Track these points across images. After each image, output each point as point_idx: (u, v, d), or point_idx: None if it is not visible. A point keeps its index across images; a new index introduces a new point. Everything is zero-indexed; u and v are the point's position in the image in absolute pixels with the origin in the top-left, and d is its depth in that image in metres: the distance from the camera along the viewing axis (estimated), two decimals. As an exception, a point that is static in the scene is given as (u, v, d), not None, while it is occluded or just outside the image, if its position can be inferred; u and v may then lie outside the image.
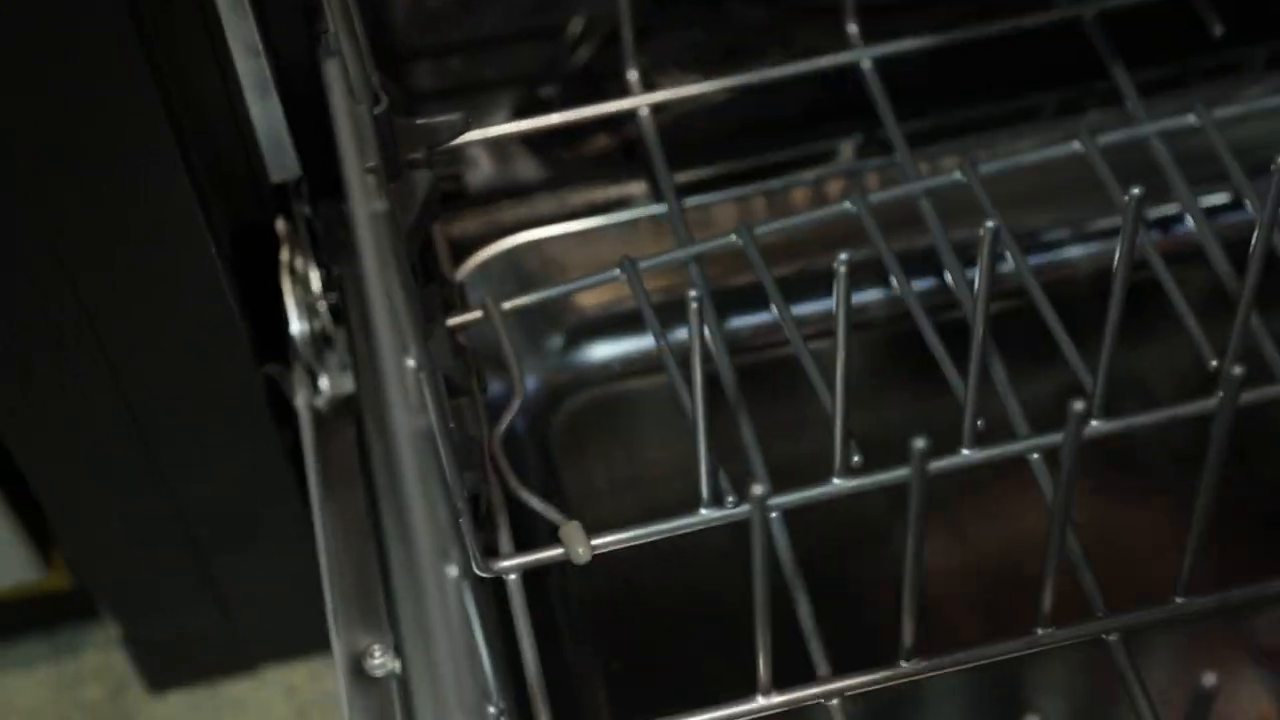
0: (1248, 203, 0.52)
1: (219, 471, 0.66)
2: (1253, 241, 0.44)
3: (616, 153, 0.66)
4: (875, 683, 0.44)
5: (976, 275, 0.44)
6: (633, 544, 0.50)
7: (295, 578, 0.62)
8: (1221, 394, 0.39)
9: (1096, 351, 0.47)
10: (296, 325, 0.60)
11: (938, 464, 0.46)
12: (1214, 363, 0.48)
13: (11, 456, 0.66)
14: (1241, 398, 0.41)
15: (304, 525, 0.59)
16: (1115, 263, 0.44)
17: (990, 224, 0.41)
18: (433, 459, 0.39)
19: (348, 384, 0.58)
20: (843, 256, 0.42)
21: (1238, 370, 0.38)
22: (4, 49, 0.52)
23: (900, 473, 0.44)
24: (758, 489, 0.38)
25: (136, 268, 0.58)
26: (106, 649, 0.83)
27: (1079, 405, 0.38)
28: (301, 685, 0.76)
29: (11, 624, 0.82)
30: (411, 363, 0.39)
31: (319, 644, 0.59)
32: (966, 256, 0.55)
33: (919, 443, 0.37)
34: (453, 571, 0.36)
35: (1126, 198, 0.42)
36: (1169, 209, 0.59)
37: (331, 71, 0.39)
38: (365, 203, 0.38)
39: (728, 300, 0.61)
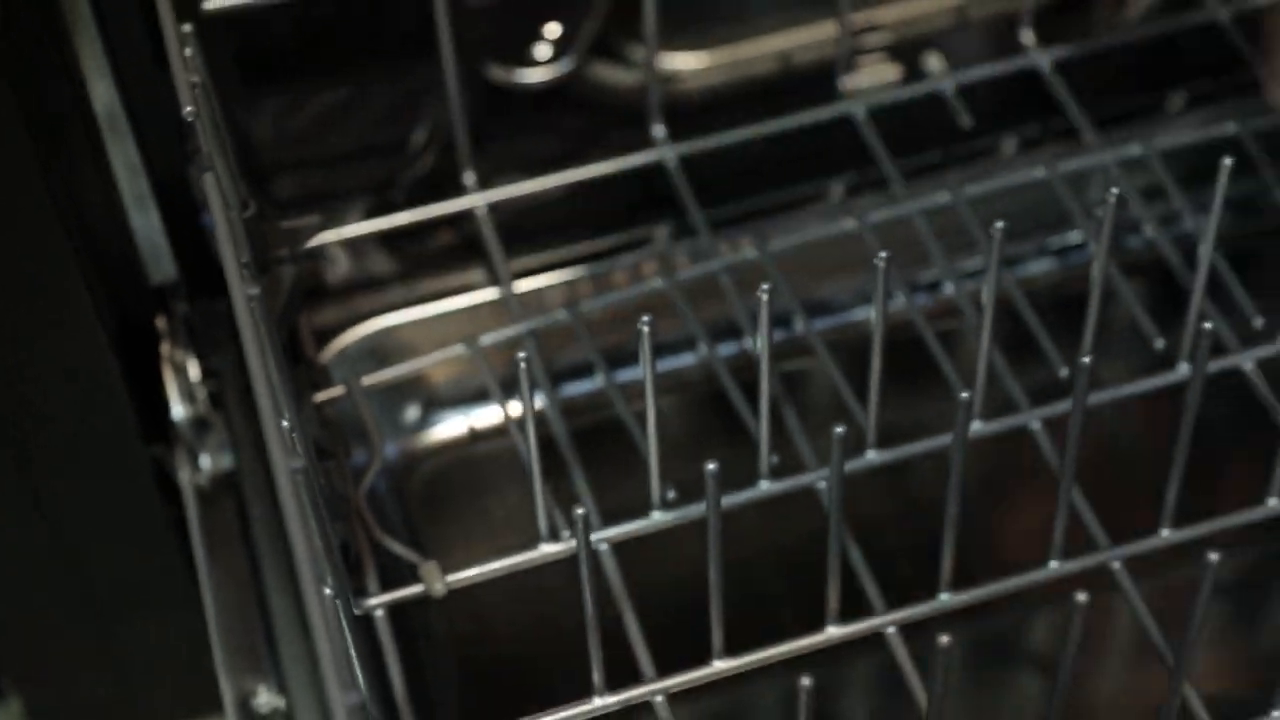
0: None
1: (114, 546, 0.70)
2: (983, 294, 0.52)
3: (459, 245, 0.70)
4: (691, 681, 0.50)
5: (759, 340, 0.51)
6: (483, 579, 0.55)
7: (187, 641, 0.66)
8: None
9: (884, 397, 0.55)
10: (178, 410, 0.63)
11: (734, 497, 0.53)
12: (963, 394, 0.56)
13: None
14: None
15: (193, 591, 0.63)
16: (873, 320, 0.51)
17: (764, 291, 0.49)
18: (310, 505, 0.46)
19: (227, 461, 0.62)
20: (645, 319, 0.49)
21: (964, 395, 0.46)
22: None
23: (699, 506, 0.51)
24: (580, 513, 0.45)
25: (37, 361, 0.62)
26: None
27: (839, 429, 0.45)
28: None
29: None
30: (286, 423, 0.46)
31: (212, 702, 0.62)
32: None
33: (710, 468, 0.45)
34: (330, 592, 0.42)
35: (878, 262, 0.50)
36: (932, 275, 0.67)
37: (208, 184, 0.45)
38: (242, 291, 0.44)
39: (562, 371, 0.66)
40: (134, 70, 0.64)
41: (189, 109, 0.47)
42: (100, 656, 0.73)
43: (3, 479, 0.65)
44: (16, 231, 0.59)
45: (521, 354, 0.47)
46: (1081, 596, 0.42)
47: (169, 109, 0.60)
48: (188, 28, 0.55)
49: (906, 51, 0.74)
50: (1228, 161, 0.50)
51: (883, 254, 0.49)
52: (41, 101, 0.60)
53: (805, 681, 0.41)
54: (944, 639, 0.40)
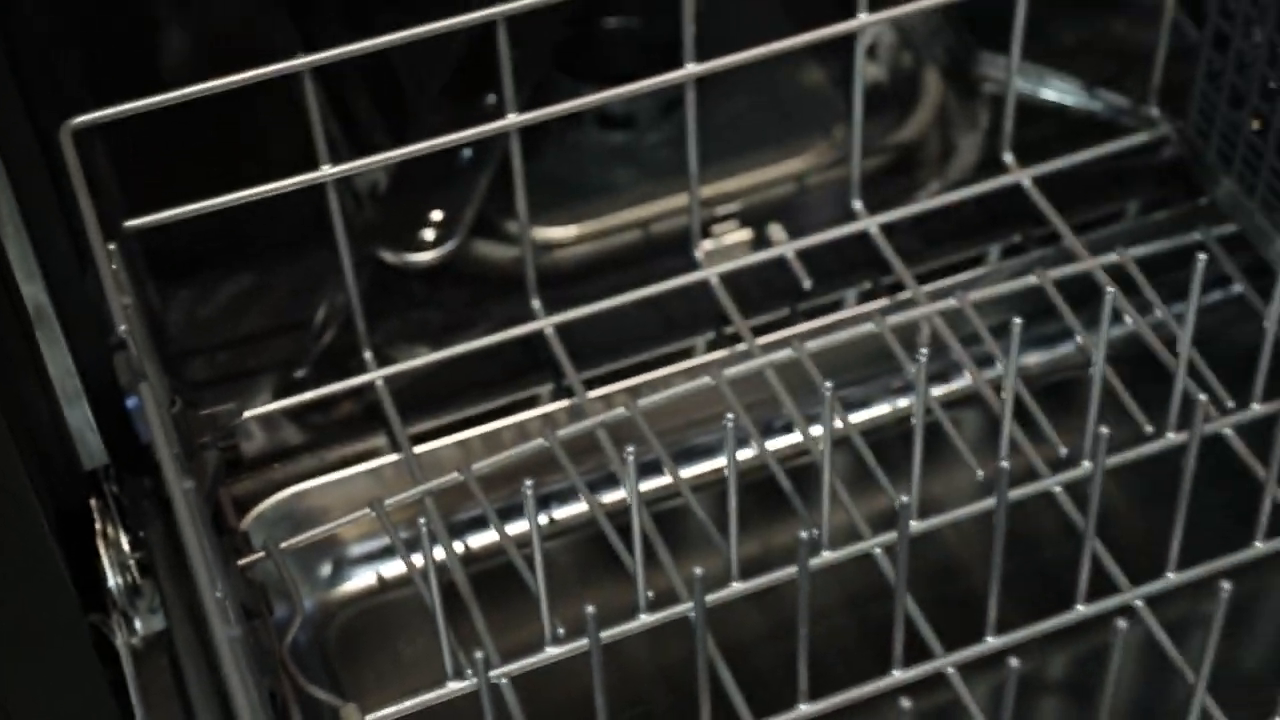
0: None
1: (56, 707, 0.70)
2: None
3: (361, 415, 0.73)
4: None
5: (629, 489, 0.57)
6: (398, 717, 0.59)
7: None
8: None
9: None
10: (112, 580, 0.65)
11: (613, 630, 0.59)
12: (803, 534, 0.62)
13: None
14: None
15: None
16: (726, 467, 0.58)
17: (629, 455, 0.56)
18: (245, 664, 0.51)
19: (158, 623, 0.65)
20: (528, 483, 0.55)
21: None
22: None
23: (583, 641, 0.57)
24: (479, 655, 0.51)
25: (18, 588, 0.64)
26: None
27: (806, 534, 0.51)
28: None
29: None
30: (219, 594, 0.51)
31: None
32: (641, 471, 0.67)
33: (590, 611, 0.51)
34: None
35: (726, 422, 0.57)
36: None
37: (144, 393, 0.51)
38: (179, 485, 0.50)
39: (460, 524, 0.70)
40: (60, 272, 0.65)
41: (123, 328, 0.53)
42: None
43: None
44: None
45: (422, 520, 0.53)
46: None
47: (92, 306, 0.65)
48: (112, 246, 0.60)
49: (755, 218, 0.78)
50: (1018, 322, 0.58)
51: (729, 415, 0.56)
52: None
53: None
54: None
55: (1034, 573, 0.65)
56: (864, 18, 0.68)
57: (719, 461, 0.71)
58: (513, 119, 0.66)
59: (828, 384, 0.56)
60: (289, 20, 0.85)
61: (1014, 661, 0.48)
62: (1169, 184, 0.77)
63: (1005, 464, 0.53)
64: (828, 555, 0.61)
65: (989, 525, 0.57)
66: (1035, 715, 0.65)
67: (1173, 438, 0.62)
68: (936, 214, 0.77)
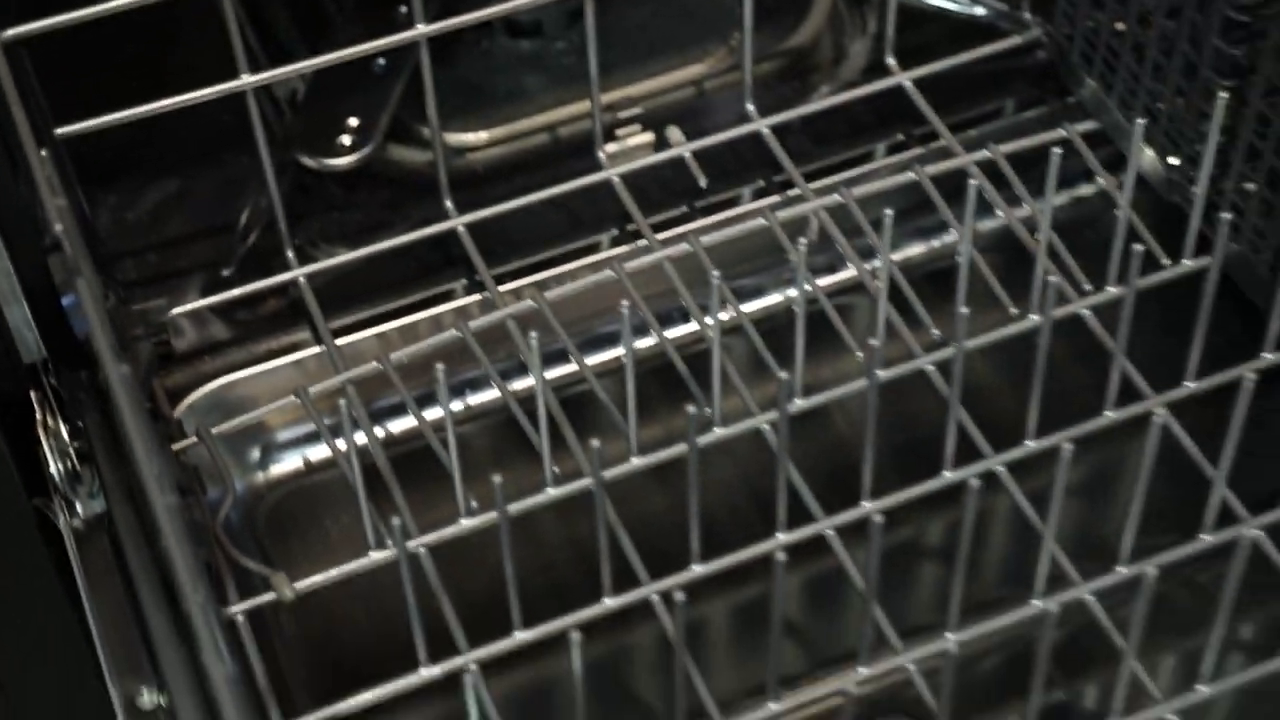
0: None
1: (4, 585, 0.73)
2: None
3: (285, 311, 0.75)
4: (498, 651, 0.60)
5: (536, 375, 0.62)
6: (324, 585, 0.63)
7: (74, 660, 0.70)
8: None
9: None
10: (53, 467, 0.67)
11: (521, 503, 0.63)
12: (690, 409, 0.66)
13: None
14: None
15: (76, 616, 0.69)
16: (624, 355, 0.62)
17: (533, 341, 0.60)
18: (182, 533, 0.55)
19: (98, 506, 0.68)
20: (440, 368, 0.59)
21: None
22: None
23: (492, 514, 0.61)
24: (396, 523, 0.55)
25: None
26: None
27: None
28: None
29: None
30: (156, 469, 0.55)
31: (103, 709, 0.66)
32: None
33: (497, 481, 0.55)
34: (200, 596, 0.52)
35: (623, 308, 0.61)
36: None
37: (81, 288, 0.55)
38: (115, 371, 0.54)
39: (380, 410, 0.73)
40: None
41: (59, 227, 0.56)
42: None
43: None
44: None
45: (342, 400, 0.58)
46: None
47: (26, 211, 0.67)
48: (45, 153, 0.63)
49: (657, 121, 0.80)
50: (889, 213, 0.62)
51: (625, 302, 0.60)
52: None
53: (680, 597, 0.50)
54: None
55: (911, 448, 0.68)
56: None
57: (621, 350, 0.75)
58: (421, 29, 0.69)
59: (715, 273, 0.61)
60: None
61: (878, 517, 0.53)
62: (1042, 84, 0.81)
63: (875, 342, 0.58)
64: (719, 431, 0.66)
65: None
66: (913, 578, 0.69)
67: (1034, 319, 0.66)
68: (826, 115, 0.79)
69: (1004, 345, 0.68)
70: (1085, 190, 0.78)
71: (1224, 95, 0.64)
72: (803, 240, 0.62)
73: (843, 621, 0.68)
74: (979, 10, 0.85)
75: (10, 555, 0.73)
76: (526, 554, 0.67)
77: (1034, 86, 0.81)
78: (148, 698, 0.64)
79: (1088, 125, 0.75)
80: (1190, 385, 0.64)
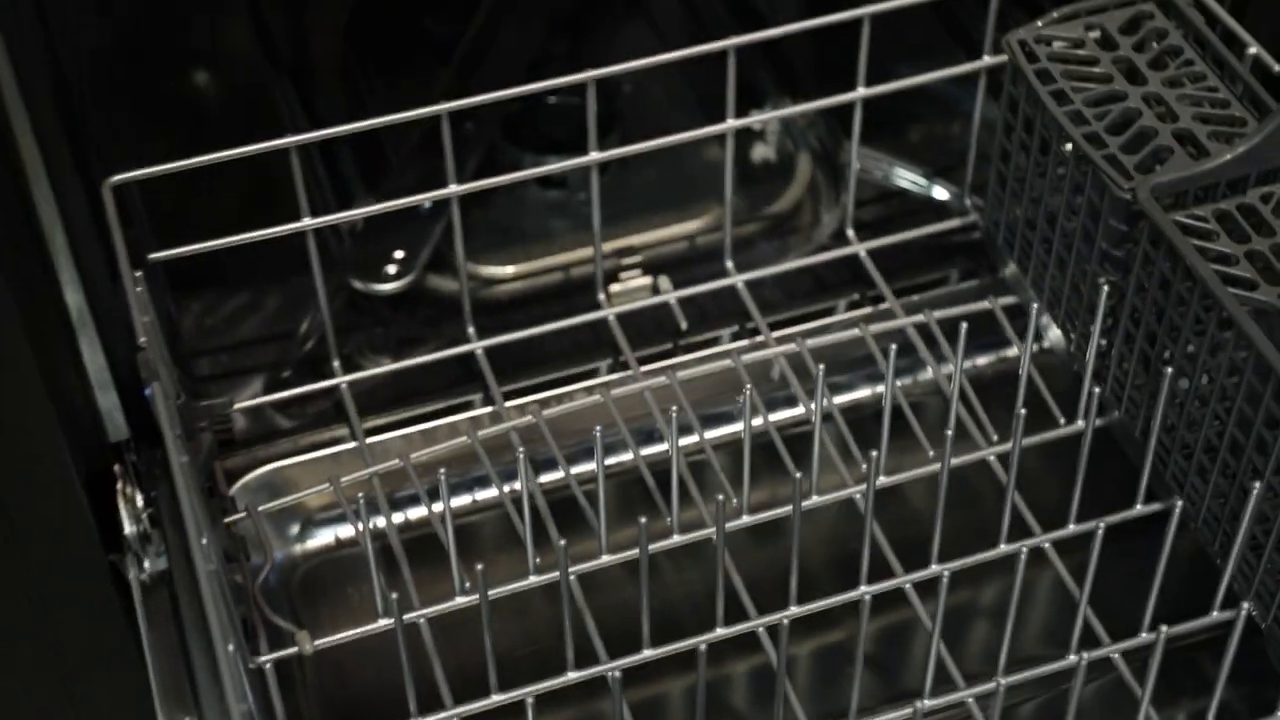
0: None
1: (83, 625, 0.77)
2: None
3: (329, 410, 0.81)
4: (481, 707, 0.66)
5: (523, 483, 0.67)
6: (340, 643, 0.68)
7: (133, 692, 0.74)
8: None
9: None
10: (128, 528, 0.73)
11: (500, 589, 0.69)
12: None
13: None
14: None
15: (137, 655, 0.74)
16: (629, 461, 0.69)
17: (521, 454, 0.67)
18: (220, 593, 0.62)
19: (162, 564, 0.73)
20: (443, 471, 0.65)
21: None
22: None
23: (473, 598, 0.67)
24: (393, 597, 0.62)
25: (31, 498, 0.71)
26: None
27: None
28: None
29: None
30: (205, 541, 0.63)
31: None
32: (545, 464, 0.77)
33: (479, 569, 0.62)
34: (232, 648, 0.59)
35: (595, 432, 0.68)
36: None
37: (156, 391, 0.62)
38: (177, 459, 0.61)
39: (401, 499, 0.78)
40: (98, 288, 0.73)
41: (143, 339, 0.64)
42: (67, 711, 0.81)
43: (5, 580, 0.75)
44: (15, 407, 0.69)
45: (360, 495, 0.64)
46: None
47: (122, 315, 0.73)
48: (139, 273, 0.71)
49: (655, 267, 0.87)
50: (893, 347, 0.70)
51: (597, 428, 0.67)
52: (34, 312, 0.69)
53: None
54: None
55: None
56: (731, 123, 0.79)
57: (612, 459, 0.81)
58: (454, 189, 0.76)
59: (674, 408, 0.68)
60: (292, 88, 0.95)
61: (947, 573, 0.62)
62: (979, 259, 0.88)
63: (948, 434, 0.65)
64: (676, 538, 0.73)
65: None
66: (971, 633, 0.76)
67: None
68: (795, 273, 0.86)
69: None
70: (1010, 352, 0.85)
71: (1105, 287, 0.71)
72: (747, 388, 0.68)
73: (910, 662, 0.75)
74: (935, 191, 0.92)
75: (87, 598, 0.78)
76: (514, 626, 0.73)
77: (973, 260, 0.88)
78: (188, 727, 0.70)
79: (1008, 300, 0.81)
80: (1071, 528, 0.71)
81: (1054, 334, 0.80)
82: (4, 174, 0.67)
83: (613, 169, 0.93)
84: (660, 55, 0.77)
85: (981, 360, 0.86)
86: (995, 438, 0.76)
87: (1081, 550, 0.67)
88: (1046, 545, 0.73)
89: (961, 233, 0.88)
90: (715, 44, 0.76)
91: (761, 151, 0.97)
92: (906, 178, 0.94)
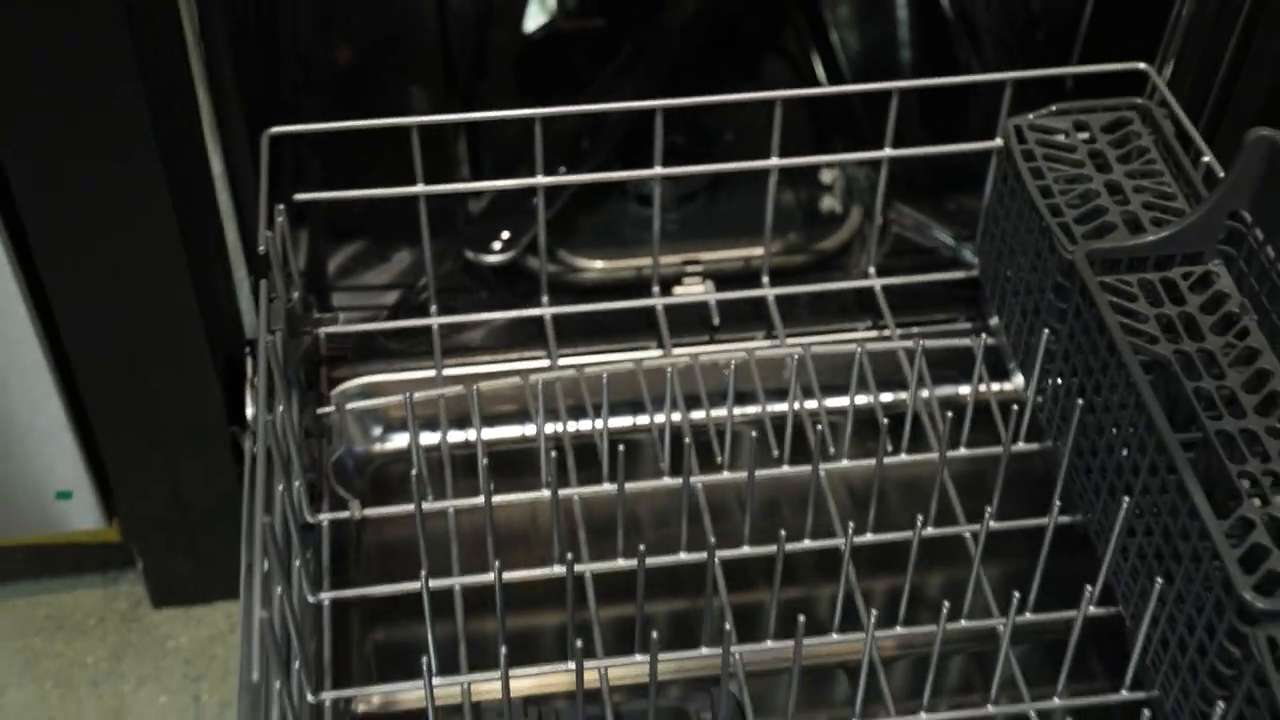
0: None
1: (206, 478, 0.88)
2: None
3: (423, 344, 0.85)
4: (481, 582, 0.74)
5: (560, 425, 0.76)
6: (385, 516, 0.75)
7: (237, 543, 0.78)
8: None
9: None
10: (249, 409, 0.77)
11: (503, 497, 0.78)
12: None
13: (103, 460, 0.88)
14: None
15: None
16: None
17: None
18: (299, 462, 0.70)
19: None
20: (476, 388, 0.74)
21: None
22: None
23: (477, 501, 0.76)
24: (414, 474, 0.70)
25: (179, 383, 0.81)
26: (134, 580, 0.99)
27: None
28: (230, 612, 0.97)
29: (79, 558, 0.98)
30: (296, 428, 0.71)
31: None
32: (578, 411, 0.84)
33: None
34: (296, 502, 0.67)
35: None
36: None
37: (262, 288, 0.71)
38: (263, 340, 0.69)
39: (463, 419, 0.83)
40: (249, 221, 0.81)
41: (262, 248, 0.73)
42: (189, 547, 0.92)
43: (151, 448, 0.85)
44: (170, 315, 0.79)
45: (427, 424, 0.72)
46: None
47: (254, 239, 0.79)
48: (281, 208, 0.80)
49: (716, 277, 0.92)
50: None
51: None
52: (199, 237, 0.79)
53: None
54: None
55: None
56: (774, 161, 0.85)
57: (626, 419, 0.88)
58: (540, 180, 0.83)
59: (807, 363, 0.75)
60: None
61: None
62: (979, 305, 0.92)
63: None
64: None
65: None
66: None
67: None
68: (828, 301, 0.92)
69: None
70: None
71: (1046, 333, 0.76)
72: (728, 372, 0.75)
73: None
74: (964, 251, 0.97)
75: (213, 464, 0.89)
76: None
77: (977, 309, 0.93)
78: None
79: (990, 341, 0.86)
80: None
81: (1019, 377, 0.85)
82: (183, 115, 0.77)
83: (700, 198, 1.01)
84: (713, 97, 0.83)
85: (963, 389, 0.90)
86: (943, 444, 0.80)
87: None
88: (966, 535, 0.77)
89: (971, 285, 0.92)
90: (762, 94, 0.83)
91: (828, 203, 1.03)
92: (939, 238, 0.99)
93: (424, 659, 0.64)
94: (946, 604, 0.67)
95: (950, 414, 0.74)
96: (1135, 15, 0.89)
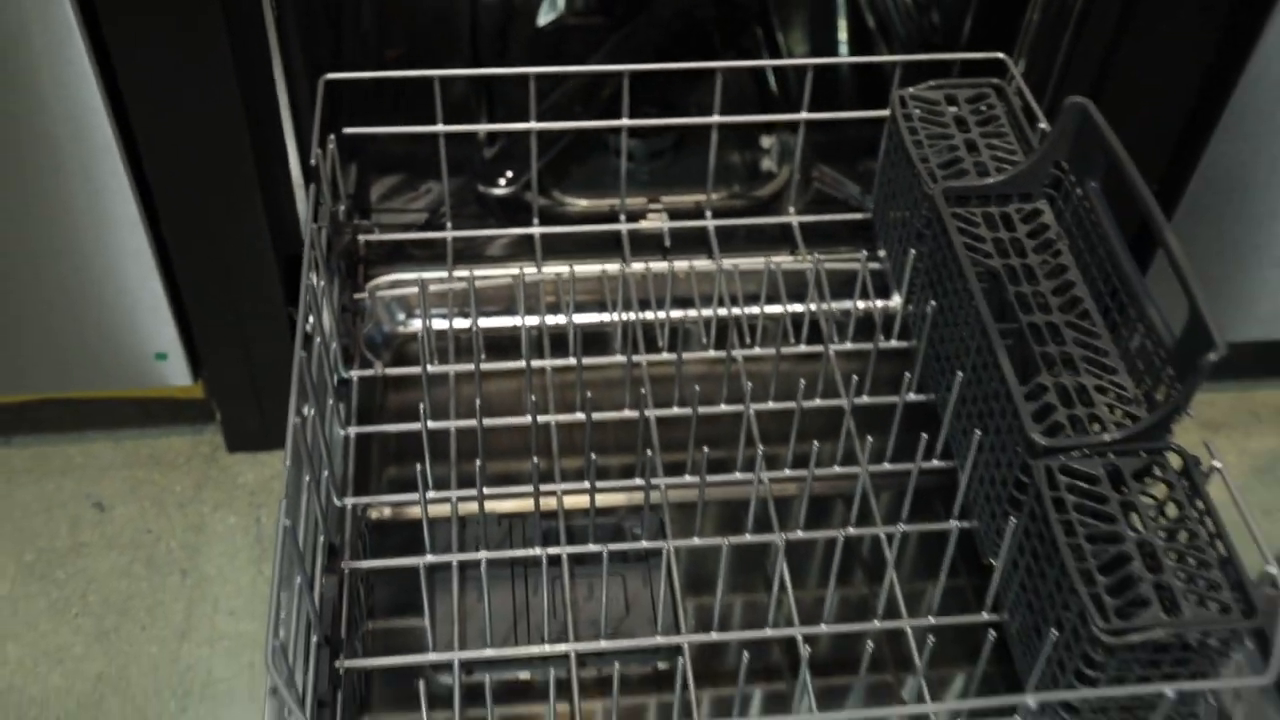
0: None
1: (269, 348, 0.93)
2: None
3: (439, 251, 0.87)
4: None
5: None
6: (400, 375, 0.80)
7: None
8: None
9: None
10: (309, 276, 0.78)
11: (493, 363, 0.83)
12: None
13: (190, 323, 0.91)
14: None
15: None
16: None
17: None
18: (334, 328, 0.76)
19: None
20: (474, 282, 0.80)
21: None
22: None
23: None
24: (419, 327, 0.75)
25: (248, 264, 0.85)
26: (214, 431, 1.03)
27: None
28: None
29: (172, 410, 1.03)
30: (322, 282, 0.77)
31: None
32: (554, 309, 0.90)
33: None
34: (335, 350, 0.72)
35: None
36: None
37: (311, 193, 0.76)
38: (309, 229, 0.74)
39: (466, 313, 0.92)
40: (305, 146, 0.86)
41: (314, 160, 0.78)
42: (255, 403, 0.97)
43: (228, 323, 0.88)
44: (245, 217, 0.83)
45: (438, 311, 0.77)
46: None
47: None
48: (332, 137, 0.84)
49: (671, 214, 0.97)
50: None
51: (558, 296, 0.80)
52: (268, 156, 0.82)
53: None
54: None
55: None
56: (715, 119, 0.89)
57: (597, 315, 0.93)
58: (533, 125, 0.86)
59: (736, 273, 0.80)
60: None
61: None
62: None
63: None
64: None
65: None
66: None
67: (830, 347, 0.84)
68: (760, 234, 0.95)
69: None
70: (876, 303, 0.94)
71: (912, 253, 0.81)
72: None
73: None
74: (868, 202, 1.01)
75: (273, 333, 0.92)
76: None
77: (869, 241, 0.97)
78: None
79: (875, 266, 0.90)
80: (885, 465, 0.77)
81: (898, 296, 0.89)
82: (257, 61, 0.81)
83: (666, 156, 1.05)
84: (668, 64, 0.87)
85: (862, 304, 0.93)
86: (835, 339, 0.85)
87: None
88: (845, 406, 0.82)
89: (867, 225, 0.97)
90: (706, 64, 0.87)
91: (766, 163, 1.07)
92: (849, 191, 1.03)
93: (418, 472, 0.69)
94: (816, 445, 0.72)
95: (842, 318, 0.78)
96: (1002, 19, 0.94)
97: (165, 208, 0.85)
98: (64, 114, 0.77)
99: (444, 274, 0.89)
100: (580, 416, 0.80)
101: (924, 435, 0.75)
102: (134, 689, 0.87)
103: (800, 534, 0.73)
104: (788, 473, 0.78)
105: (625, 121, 0.90)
